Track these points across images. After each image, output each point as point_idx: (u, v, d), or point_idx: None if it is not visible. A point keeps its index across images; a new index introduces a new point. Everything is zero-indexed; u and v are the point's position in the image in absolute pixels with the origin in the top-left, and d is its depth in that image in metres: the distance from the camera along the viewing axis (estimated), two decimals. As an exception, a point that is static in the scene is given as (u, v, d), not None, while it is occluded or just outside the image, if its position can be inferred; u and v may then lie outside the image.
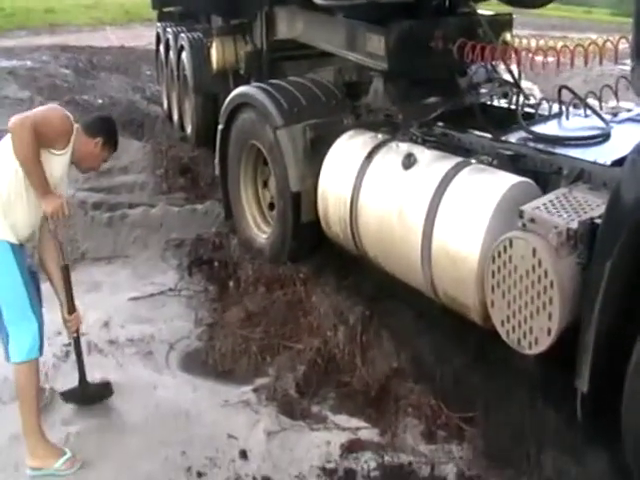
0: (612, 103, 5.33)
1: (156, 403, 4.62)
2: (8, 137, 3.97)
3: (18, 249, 4.01)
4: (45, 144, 3.94)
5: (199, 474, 4.00)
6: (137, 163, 9.07)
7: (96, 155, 4.28)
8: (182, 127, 10.43)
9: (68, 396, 4.54)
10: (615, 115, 5.15)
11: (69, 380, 4.77)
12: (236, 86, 6.78)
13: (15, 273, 3.94)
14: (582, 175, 4.26)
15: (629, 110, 5.26)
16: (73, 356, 4.97)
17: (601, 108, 5.19)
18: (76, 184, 8.18)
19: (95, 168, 4.56)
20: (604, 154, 4.32)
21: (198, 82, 9.24)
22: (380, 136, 5.37)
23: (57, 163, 4.07)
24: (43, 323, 4.09)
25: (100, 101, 12.21)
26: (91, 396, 4.59)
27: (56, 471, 3.99)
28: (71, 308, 4.39)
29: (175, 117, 10.83)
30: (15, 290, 3.95)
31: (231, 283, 6.14)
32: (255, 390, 4.83)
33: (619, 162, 3.82)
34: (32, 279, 4.16)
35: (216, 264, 6.43)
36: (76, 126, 4.14)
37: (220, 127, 6.72)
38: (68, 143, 4.07)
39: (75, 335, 4.48)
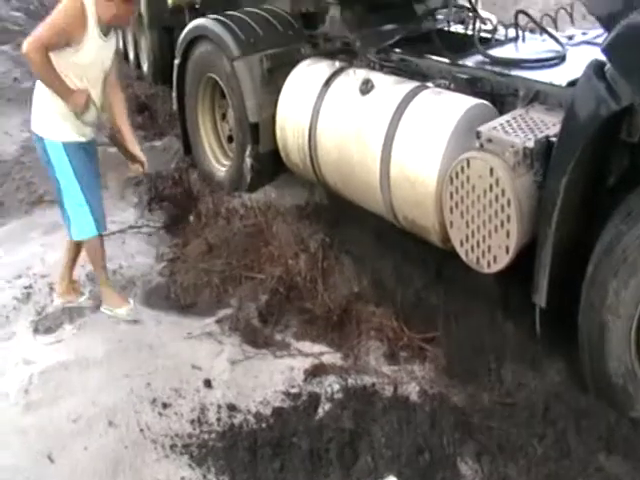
0: (569, 31, 5.37)
1: (119, 338, 4.64)
2: None
3: (72, 148, 4.52)
4: (62, 46, 4.26)
5: (164, 405, 4.03)
6: (93, 104, 8.93)
7: (121, 15, 4.43)
8: (138, 65, 10.31)
9: None
10: (571, 38, 5.18)
11: (29, 320, 4.83)
12: (192, 20, 6.69)
13: (67, 168, 4.53)
14: (538, 96, 4.31)
15: (584, 33, 5.29)
16: (34, 297, 5.01)
17: (557, 31, 5.22)
18: (32, 127, 8.11)
19: (127, 24, 4.92)
20: (560, 75, 4.36)
21: (153, 18, 9.12)
22: (337, 63, 5.36)
23: (81, 53, 4.34)
24: (98, 206, 4.73)
25: (53, 43, 11.97)
26: None
27: (119, 314, 4.86)
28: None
29: (131, 56, 10.69)
30: (71, 183, 4.57)
31: (191, 217, 6.12)
32: (218, 321, 4.86)
33: (575, 83, 3.84)
34: (89, 170, 4.70)
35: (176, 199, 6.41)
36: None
37: (176, 61, 6.64)
38: (84, 31, 4.30)
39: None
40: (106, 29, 4.45)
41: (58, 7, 4.30)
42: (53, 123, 4.50)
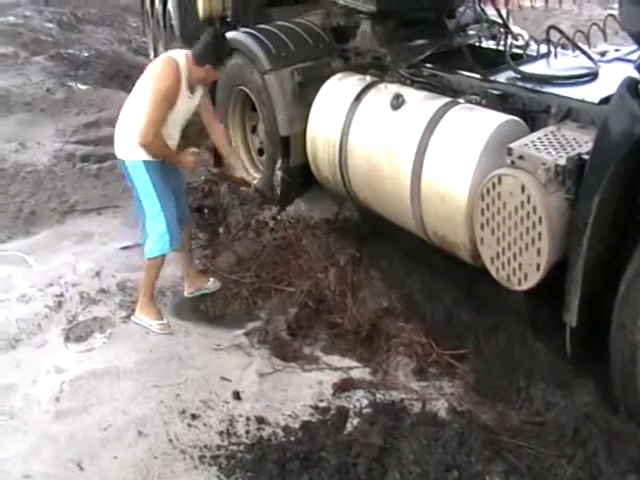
0: (601, 47, 5.34)
1: (149, 349, 4.66)
2: (147, 73, 4.77)
3: (152, 165, 4.72)
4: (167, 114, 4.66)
5: (193, 416, 4.04)
6: (125, 115, 8.98)
7: (209, 77, 4.90)
8: (170, 77, 10.34)
9: None
10: (603, 55, 5.15)
11: (60, 329, 4.85)
12: (223, 33, 6.72)
13: (149, 185, 4.74)
14: (570, 113, 4.30)
15: (617, 50, 5.26)
16: (65, 306, 5.07)
17: (589, 47, 5.19)
18: (64, 137, 8.17)
19: (212, 83, 5.34)
20: (592, 92, 4.34)
21: (185, 31, 9.08)
22: (368, 78, 5.36)
23: (175, 112, 4.72)
24: (174, 222, 4.84)
25: (86, 54, 12.03)
26: None
27: (150, 326, 4.88)
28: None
29: (163, 68, 10.74)
30: (152, 200, 4.76)
31: (221, 229, 6.14)
32: (247, 333, 4.88)
33: (607, 100, 3.84)
34: (167, 187, 4.87)
35: (206, 211, 6.41)
36: (184, 58, 4.71)
37: (207, 74, 6.67)
38: (179, 92, 4.67)
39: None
40: (192, 87, 4.81)
41: (154, 73, 4.67)
42: (133, 145, 4.69)
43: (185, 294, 5.36)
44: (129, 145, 4.72)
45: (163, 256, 4.93)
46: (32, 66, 10.93)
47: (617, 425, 3.59)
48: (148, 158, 4.71)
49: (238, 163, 5.39)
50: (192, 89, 4.80)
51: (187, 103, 4.80)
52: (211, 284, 5.40)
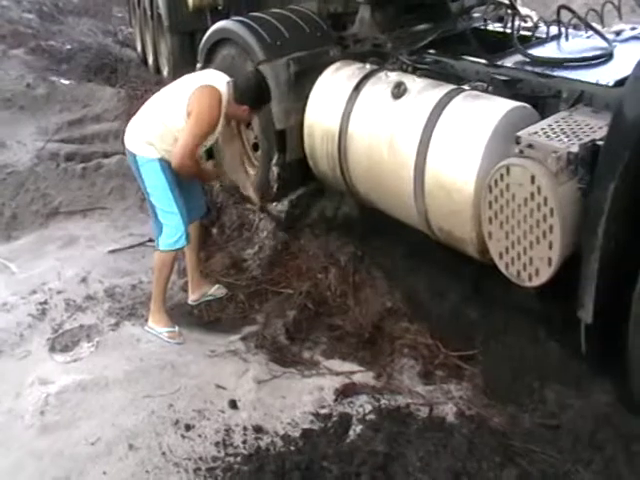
0: (616, 27, 5.35)
1: (140, 356, 4.68)
2: (182, 81, 5.10)
3: (167, 164, 4.87)
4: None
5: (187, 427, 4.05)
6: (111, 111, 8.99)
7: (245, 117, 5.24)
8: (158, 70, 10.36)
9: None
10: (618, 34, 5.16)
11: (45, 338, 4.86)
12: (214, 23, 6.74)
13: (163, 181, 4.88)
14: (583, 97, 4.31)
15: (633, 28, 5.27)
16: (50, 314, 5.10)
17: (603, 27, 5.20)
18: (46, 135, 8.19)
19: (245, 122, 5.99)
20: (606, 74, 4.36)
21: (174, 21, 9.15)
22: (368, 66, 5.38)
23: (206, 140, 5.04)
24: (185, 217, 4.94)
25: (68, 47, 12.01)
26: None
27: (160, 334, 4.95)
28: None
29: (150, 60, 10.76)
30: (165, 195, 4.90)
31: (215, 230, 6.18)
32: (243, 338, 4.91)
33: (622, 82, 3.83)
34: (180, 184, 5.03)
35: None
36: (226, 88, 4.92)
37: (198, 66, 6.67)
38: (219, 124, 4.97)
39: None
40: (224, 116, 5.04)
41: (200, 102, 4.78)
42: (149, 145, 4.89)
43: (189, 301, 5.42)
44: (145, 143, 4.88)
45: (176, 252, 5.01)
46: (11, 60, 10.87)
47: (637, 427, 3.59)
48: (164, 156, 4.86)
49: (247, 183, 5.81)
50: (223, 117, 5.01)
51: (218, 131, 5.03)
52: (216, 289, 5.45)
